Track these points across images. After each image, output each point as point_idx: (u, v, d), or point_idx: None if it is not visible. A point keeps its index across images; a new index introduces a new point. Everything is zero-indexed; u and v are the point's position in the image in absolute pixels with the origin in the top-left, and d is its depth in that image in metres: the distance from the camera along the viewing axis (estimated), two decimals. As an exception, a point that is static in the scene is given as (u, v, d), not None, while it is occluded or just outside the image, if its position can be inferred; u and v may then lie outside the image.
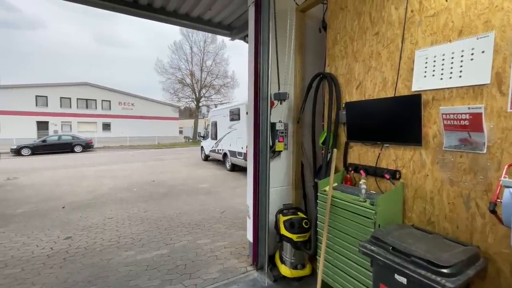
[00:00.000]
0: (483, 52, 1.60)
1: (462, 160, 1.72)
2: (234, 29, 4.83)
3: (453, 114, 1.71)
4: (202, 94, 32.02)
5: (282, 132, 3.04)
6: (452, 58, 1.75)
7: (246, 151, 3.02)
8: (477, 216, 1.66)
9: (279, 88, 2.94)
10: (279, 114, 3.06)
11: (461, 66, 1.71)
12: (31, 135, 24.30)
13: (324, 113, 2.84)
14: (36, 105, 26.70)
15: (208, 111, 20.26)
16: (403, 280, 1.49)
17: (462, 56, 1.70)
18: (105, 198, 6.31)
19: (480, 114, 1.59)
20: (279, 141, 3.00)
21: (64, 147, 18.62)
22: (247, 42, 3.16)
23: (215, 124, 12.01)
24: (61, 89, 28.13)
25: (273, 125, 2.97)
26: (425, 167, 1.93)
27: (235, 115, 10.01)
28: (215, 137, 11.99)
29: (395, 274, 1.53)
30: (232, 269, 3.07)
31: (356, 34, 2.46)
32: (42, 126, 26.65)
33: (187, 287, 2.74)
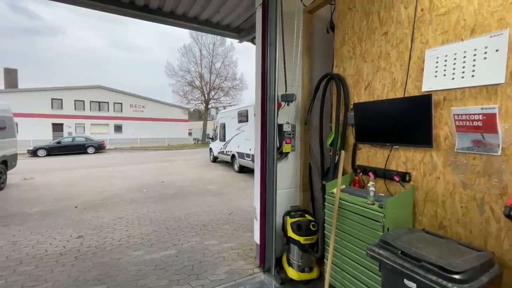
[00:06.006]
0: (497, 50, 1.55)
1: (475, 163, 1.66)
2: (242, 32, 4.87)
3: (466, 114, 1.65)
4: (211, 96, 32.32)
5: (290, 134, 3.03)
6: (464, 57, 1.70)
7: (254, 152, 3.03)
8: (491, 220, 1.60)
9: (286, 90, 2.93)
10: (286, 116, 3.05)
11: (473, 66, 1.65)
12: (46, 136, 25.16)
13: (332, 114, 2.82)
14: (52, 108, 27.65)
15: (217, 113, 20.39)
16: (413, 286, 1.44)
17: (475, 55, 1.65)
18: (116, 199, 6.44)
19: (494, 114, 1.53)
20: (286, 143, 2.99)
21: (78, 149, 19.18)
22: (255, 44, 3.17)
23: (223, 126, 12.10)
24: (76, 92, 29.04)
25: (280, 126, 2.96)
26: (437, 169, 1.88)
27: (243, 117, 10.05)
28: (223, 138, 12.07)
29: (404, 279, 1.49)
30: (239, 271, 3.06)
31: (364, 34, 2.43)
32: (57, 128, 27.55)
33: (194, 287, 2.75)
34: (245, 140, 9.71)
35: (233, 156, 10.96)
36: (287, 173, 3.13)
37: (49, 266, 3.21)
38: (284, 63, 2.89)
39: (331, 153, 2.76)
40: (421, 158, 1.98)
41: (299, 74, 3.09)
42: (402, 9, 2.10)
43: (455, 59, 1.75)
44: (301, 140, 3.18)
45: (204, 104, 32.74)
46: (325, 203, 2.44)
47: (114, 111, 31.38)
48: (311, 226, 2.68)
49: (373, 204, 1.99)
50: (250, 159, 9.26)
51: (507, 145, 1.52)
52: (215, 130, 13.73)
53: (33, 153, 17.37)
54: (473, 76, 1.66)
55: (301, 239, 2.63)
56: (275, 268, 2.87)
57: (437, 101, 1.85)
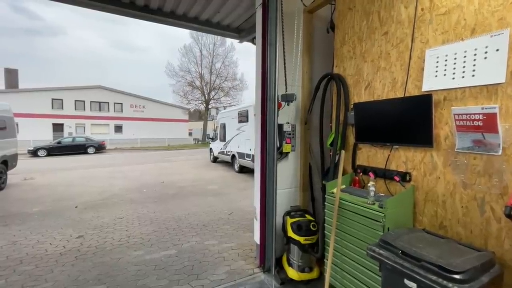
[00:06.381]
0: (497, 50, 1.54)
1: (475, 162, 1.66)
2: (242, 32, 4.87)
3: (466, 114, 1.65)
4: (211, 97, 32.34)
5: (290, 134, 3.02)
6: (465, 57, 1.70)
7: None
8: (492, 220, 1.60)
9: (286, 89, 2.93)
10: (286, 116, 3.05)
11: (474, 65, 1.65)
12: (47, 136, 25.17)
13: (332, 114, 2.81)
14: (52, 108, 27.67)
15: (217, 113, 20.41)
16: (413, 286, 1.44)
17: (475, 54, 1.65)
18: (116, 199, 6.44)
19: (495, 114, 1.53)
20: (286, 143, 2.99)
21: (78, 149, 19.19)
22: (255, 44, 3.17)
23: (223, 126, 12.10)
24: (76, 92, 29.07)
25: (280, 126, 2.95)
26: (437, 169, 1.87)
27: (243, 117, 10.05)
28: (223, 139, 12.07)
29: (405, 279, 1.48)
30: (239, 271, 3.06)
31: (364, 34, 2.43)
32: (58, 128, 27.57)
33: (194, 287, 2.75)
34: (245, 140, 9.70)
35: (233, 156, 10.96)
36: (287, 173, 3.13)
37: (49, 266, 3.21)
38: (284, 63, 2.89)
39: (331, 153, 2.76)
40: (421, 158, 1.98)
41: (299, 74, 3.09)
42: (402, 8, 2.10)
43: (455, 58, 1.75)
44: (301, 140, 3.18)
45: (204, 104, 32.76)
46: (325, 203, 2.44)
47: (114, 111, 31.40)
48: (311, 226, 2.68)
49: (373, 204, 1.99)
50: (250, 159, 9.26)
51: (507, 144, 1.51)
52: (215, 130, 13.74)
53: (34, 153, 17.38)
54: (473, 75, 1.66)
55: (301, 239, 2.63)
56: (275, 268, 2.87)
57: (438, 101, 1.85)
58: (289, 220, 2.78)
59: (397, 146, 2.15)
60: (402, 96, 2.08)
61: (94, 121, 29.77)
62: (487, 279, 1.33)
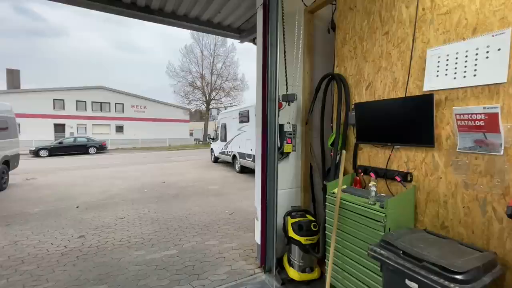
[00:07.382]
0: (499, 50, 1.54)
1: (477, 162, 1.65)
2: (243, 32, 4.87)
3: (468, 114, 1.64)
4: (212, 97, 32.37)
5: (290, 134, 3.02)
6: (466, 56, 1.69)
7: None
8: (494, 220, 1.59)
9: (287, 90, 2.93)
10: (287, 116, 3.04)
11: (475, 65, 1.65)
12: (48, 137, 25.23)
13: (333, 114, 2.81)
14: (54, 108, 27.75)
15: (218, 114, 20.44)
16: (414, 286, 1.43)
17: (476, 54, 1.64)
18: (117, 199, 6.46)
19: (497, 114, 1.52)
20: (287, 143, 2.98)
21: (79, 149, 19.25)
22: (256, 45, 3.18)
23: (224, 126, 12.11)
24: (77, 92, 29.14)
25: (281, 126, 2.95)
26: (438, 169, 1.87)
27: (244, 117, 10.06)
28: (224, 139, 12.08)
29: (406, 280, 1.48)
30: (240, 271, 3.06)
31: (365, 34, 2.43)
32: (59, 128, 27.65)
33: (194, 287, 2.75)
34: (246, 141, 9.71)
35: (234, 157, 10.97)
36: (288, 173, 3.12)
37: (51, 265, 3.22)
38: (285, 63, 2.89)
39: (332, 153, 2.76)
40: (422, 158, 1.97)
41: (300, 74, 3.09)
42: (403, 8, 2.09)
43: (456, 58, 1.74)
44: (302, 140, 3.18)
45: (205, 105, 32.79)
46: (326, 203, 2.44)
47: (115, 111, 31.45)
48: (312, 227, 2.67)
49: (374, 204, 1.98)
50: (251, 160, 9.27)
51: (509, 144, 1.51)
52: (216, 131, 13.75)
53: (35, 153, 17.44)
54: (475, 75, 1.65)
55: (302, 240, 2.63)
56: (276, 269, 2.87)
57: (439, 100, 1.84)
58: (290, 220, 2.78)
59: (398, 146, 2.15)
60: (403, 96, 2.08)
61: (95, 121, 29.83)
62: (489, 280, 1.33)
